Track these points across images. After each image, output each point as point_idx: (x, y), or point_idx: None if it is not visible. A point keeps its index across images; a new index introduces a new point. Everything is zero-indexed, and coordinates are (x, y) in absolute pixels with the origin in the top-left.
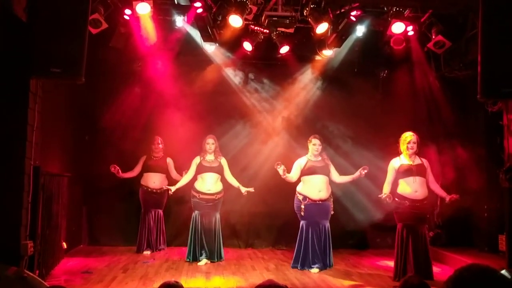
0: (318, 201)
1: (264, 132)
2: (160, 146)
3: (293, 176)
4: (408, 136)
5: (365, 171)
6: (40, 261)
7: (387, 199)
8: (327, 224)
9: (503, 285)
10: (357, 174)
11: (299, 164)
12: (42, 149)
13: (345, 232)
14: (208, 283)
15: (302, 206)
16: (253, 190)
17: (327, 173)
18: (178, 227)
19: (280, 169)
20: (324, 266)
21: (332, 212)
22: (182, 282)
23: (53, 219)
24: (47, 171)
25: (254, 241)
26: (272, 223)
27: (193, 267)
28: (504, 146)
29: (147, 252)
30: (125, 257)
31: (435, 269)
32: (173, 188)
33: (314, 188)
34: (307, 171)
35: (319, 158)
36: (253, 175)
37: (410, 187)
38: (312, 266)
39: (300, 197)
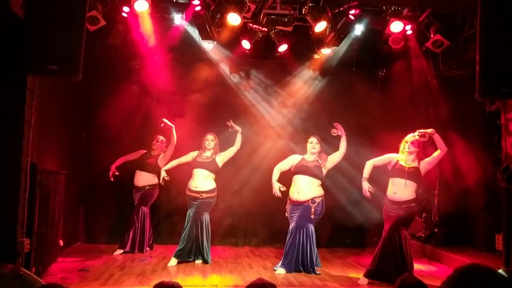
0: (295, 202)
1: (261, 130)
2: (159, 144)
3: (279, 167)
4: (409, 138)
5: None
6: (37, 258)
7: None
8: (310, 227)
9: (503, 286)
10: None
11: (292, 159)
12: (39, 146)
13: (342, 231)
14: (205, 281)
15: (287, 206)
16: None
17: (315, 175)
18: (175, 224)
19: (276, 187)
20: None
21: (313, 216)
22: (179, 280)
23: (50, 216)
24: (44, 169)
25: (251, 240)
26: (270, 222)
27: (190, 265)
28: (502, 146)
29: (118, 251)
30: (122, 255)
31: (431, 268)
32: (163, 173)
33: (294, 188)
34: (295, 170)
35: (314, 158)
36: (250, 173)
37: (391, 188)
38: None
39: (288, 197)
